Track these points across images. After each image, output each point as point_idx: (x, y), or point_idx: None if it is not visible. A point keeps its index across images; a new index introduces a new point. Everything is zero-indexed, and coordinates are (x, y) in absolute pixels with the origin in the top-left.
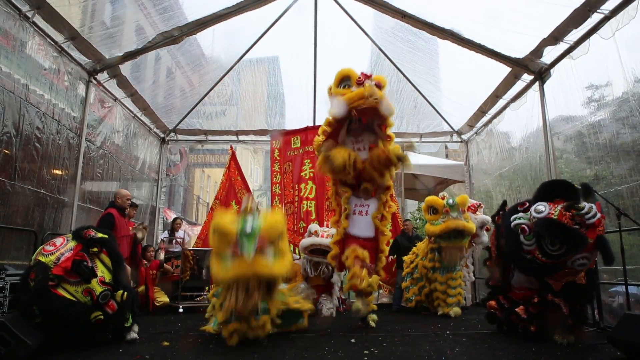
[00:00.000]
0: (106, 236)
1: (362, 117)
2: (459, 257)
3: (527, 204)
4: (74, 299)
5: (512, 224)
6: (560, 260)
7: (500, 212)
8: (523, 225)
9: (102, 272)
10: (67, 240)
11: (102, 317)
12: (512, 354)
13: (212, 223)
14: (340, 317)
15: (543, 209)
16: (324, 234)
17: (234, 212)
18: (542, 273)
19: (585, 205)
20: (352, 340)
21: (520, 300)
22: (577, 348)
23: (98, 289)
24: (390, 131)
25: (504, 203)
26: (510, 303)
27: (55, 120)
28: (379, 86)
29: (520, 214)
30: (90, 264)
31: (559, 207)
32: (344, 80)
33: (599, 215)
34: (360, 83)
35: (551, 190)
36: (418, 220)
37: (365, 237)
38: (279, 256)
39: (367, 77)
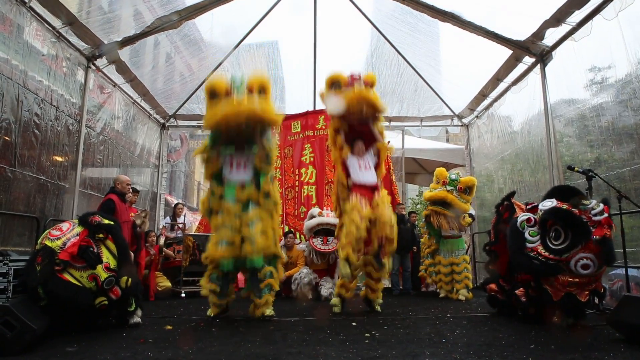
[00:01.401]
0: (112, 222)
1: (357, 126)
2: (445, 224)
3: (535, 204)
4: (79, 284)
5: (519, 220)
6: (563, 258)
7: (505, 202)
8: (529, 217)
9: (107, 258)
10: (74, 225)
11: (106, 302)
12: (512, 336)
13: (206, 84)
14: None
15: (550, 204)
16: (329, 214)
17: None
18: (543, 271)
19: (592, 201)
20: (354, 324)
21: (520, 283)
22: (577, 330)
23: (103, 275)
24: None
25: (512, 193)
26: (511, 285)
27: (54, 106)
28: (369, 84)
29: (527, 213)
30: (96, 250)
31: (566, 206)
32: (333, 84)
33: (605, 215)
34: (349, 85)
35: (560, 193)
36: (419, 205)
37: (372, 184)
38: (266, 102)
39: (356, 79)
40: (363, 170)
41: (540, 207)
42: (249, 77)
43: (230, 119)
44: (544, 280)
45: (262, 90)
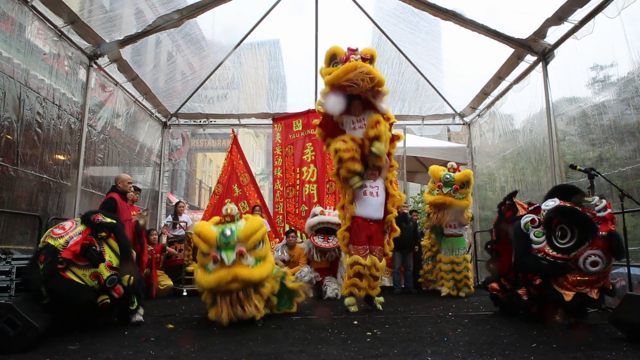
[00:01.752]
0: (114, 221)
1: (356, 93)
2: (444, 220)
3: (537, 205)
4: (82, 282)
5: (522, 222)
6: (571, 257)
7: (507, 202)
8: (533, 218)
9: (109, 256)
10: (76, 224)
11: (108, 300)
12: (513, 334)
13: (194, 228)
14: (344, 299)
15: (553, 203)
16: (330, 213)
17: (215, 219)
18: (552, 271)
19: (594, 198)
20: (355, 322)
21: (522, 282)
22: (579, 329)
23: (105, 273)
24: (384, 95)
25: (514, 193)
26: (512, 285)
27: (56, 105)
28: (366, 59)
29: (530, 214)
30: (98, 249)
31: (569, 204)
32: (332, 59)
33: (609, 210)
34: (346, 59)
35: (561, 192)
36: (420, 204)
37: (376, 219)
38: (260, 261)
39: (353, 51)
40: (357, 130)
41: (543, 207)
42: (239, 232)
43: (221, 288)
44: (554, 281)
45: (253, 248)
